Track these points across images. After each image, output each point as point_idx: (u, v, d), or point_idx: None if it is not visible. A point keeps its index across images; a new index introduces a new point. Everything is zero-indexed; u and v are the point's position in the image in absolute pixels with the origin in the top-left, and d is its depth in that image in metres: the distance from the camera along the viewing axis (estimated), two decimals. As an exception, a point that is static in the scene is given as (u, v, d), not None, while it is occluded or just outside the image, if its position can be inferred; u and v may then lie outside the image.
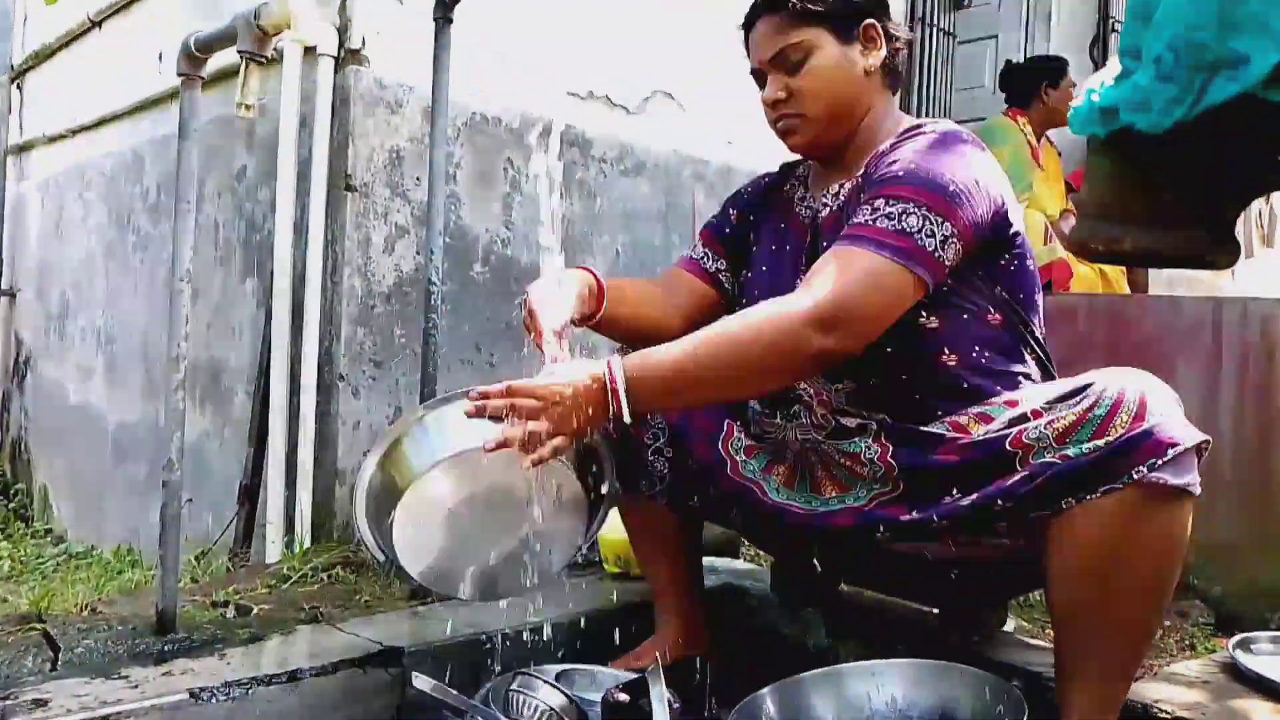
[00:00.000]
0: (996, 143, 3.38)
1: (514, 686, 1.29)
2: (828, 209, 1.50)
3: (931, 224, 1.28)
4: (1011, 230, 1.40)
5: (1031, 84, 3.67)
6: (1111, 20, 4.94)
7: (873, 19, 1.47)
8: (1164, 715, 1.34)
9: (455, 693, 1.30)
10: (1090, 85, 0.81)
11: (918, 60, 4.21)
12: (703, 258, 1.65)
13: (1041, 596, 1.62)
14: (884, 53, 1.48)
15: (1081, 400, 1.20)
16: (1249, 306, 2.05)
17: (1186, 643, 1.77)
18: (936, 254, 1.29)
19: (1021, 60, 4.27)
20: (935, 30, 4.34)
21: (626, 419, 1.22)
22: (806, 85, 1.45)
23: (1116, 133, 0.78)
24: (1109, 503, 1.16)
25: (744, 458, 1.50)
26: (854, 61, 1.46)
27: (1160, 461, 1.14)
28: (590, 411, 1.22)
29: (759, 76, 1.51)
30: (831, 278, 1.26)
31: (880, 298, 1.27)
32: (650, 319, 1.56)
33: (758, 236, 1.62)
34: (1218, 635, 1.80)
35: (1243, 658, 1.51)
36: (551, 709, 1.27)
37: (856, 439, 1.41)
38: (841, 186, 1.49)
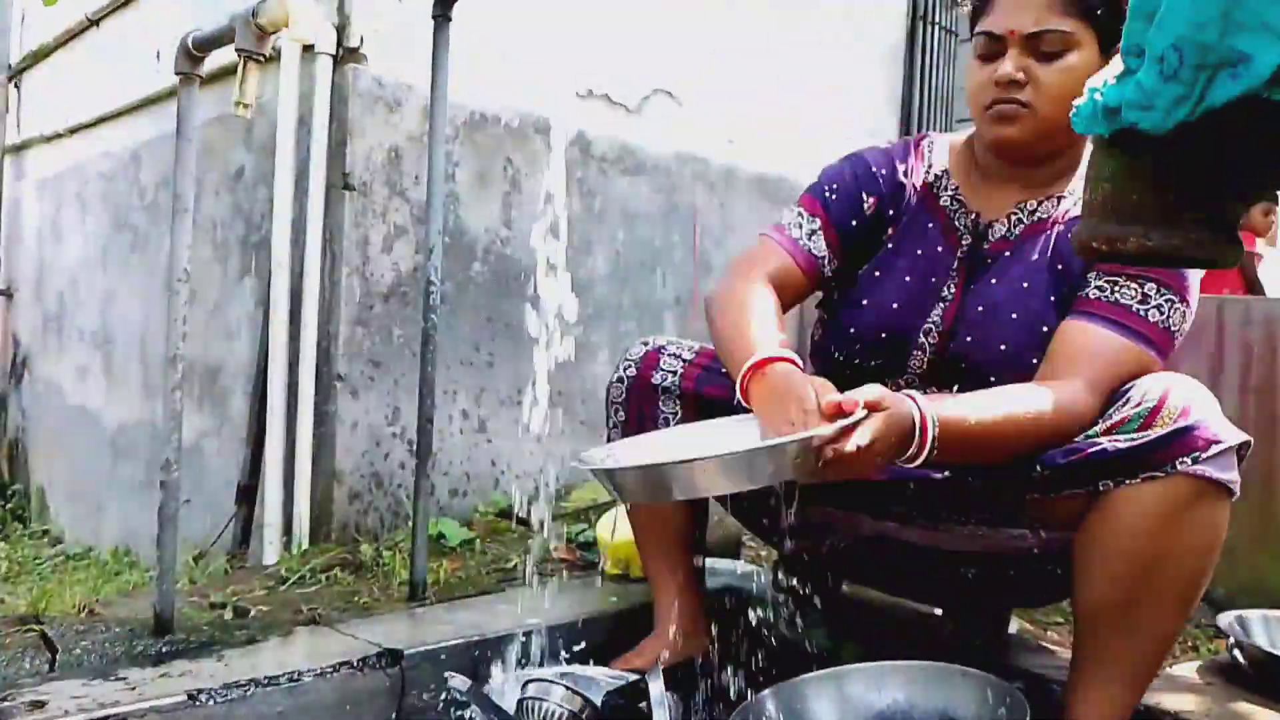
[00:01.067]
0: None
1: (529, 693, 1.28)
2: (1003, 233, 1.39)
3: (1180, 313, 1.28)
4: None
5: None
6: (1113, 19, 4.94)
7: None
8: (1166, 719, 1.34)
9: (490, 697, 1.29)
10: (1093, 84, 0.80)
11: (919, 57, 4.20)
12: (823, 259, 1.43)
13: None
14: None
15: (1126, 401, 1.20)
16: (1251, 306, 2.05)
17: (1189, 644, 1.76)
18: (1177, 340, 1.29)
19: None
20: (936, 27, 4.33)
21: (918, 463, 1.13)
22: (1053, 80, 1.28)
23: (1119, 132, 0.77)
24: (1150, 491, 1.17)
25: None
26: None
27: (1203, 455, 1.15)
28: (892, 453, 1.12)
29: (991, 44, 1.32)
30: (1112, 380, 1.23)
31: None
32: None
33: (899, 238, 1.45)
34: (1220, 637, 1.79)
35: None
36: (570, 711, 1.27)
37: None
38: (1023, 207, 1.39)
